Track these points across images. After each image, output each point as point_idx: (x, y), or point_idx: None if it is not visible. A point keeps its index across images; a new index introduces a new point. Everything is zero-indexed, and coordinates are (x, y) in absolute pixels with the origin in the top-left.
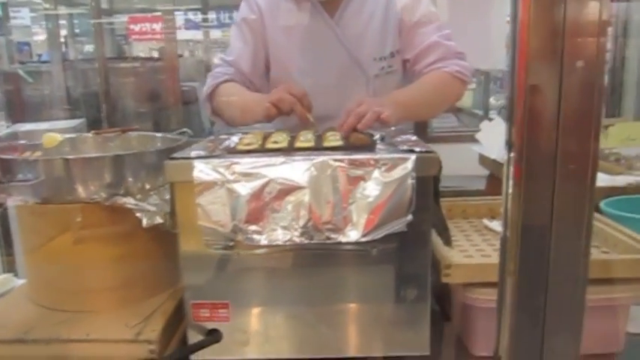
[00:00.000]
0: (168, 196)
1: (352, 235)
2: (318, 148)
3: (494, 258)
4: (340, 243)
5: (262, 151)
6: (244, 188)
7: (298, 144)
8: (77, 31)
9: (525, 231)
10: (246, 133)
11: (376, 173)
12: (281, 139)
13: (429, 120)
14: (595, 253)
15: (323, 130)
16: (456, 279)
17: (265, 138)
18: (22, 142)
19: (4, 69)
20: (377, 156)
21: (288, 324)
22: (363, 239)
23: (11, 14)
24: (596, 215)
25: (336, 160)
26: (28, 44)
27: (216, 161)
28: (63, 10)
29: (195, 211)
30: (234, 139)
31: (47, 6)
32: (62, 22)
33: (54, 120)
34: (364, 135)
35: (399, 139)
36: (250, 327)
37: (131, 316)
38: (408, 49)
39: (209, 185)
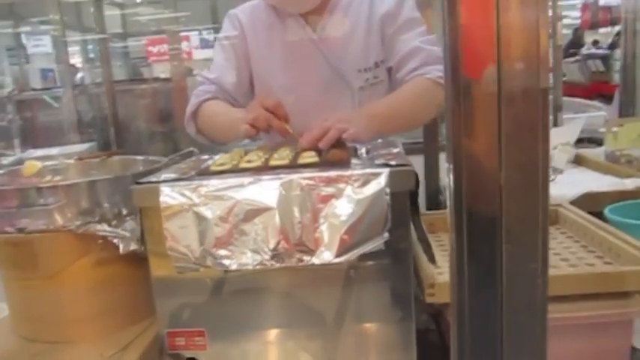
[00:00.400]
0: None
1: (325, 256)
2: (292, 165)
3: None
4: (313, 265)
5: (234, 171)
6: (211, 211)
7: (272, 162)
8: (91, 55)
9: (471, 252)
10: (228, 152)
11: (348, 190)
12: (256, 158)
13: (439, 128)
14: (598, 265)
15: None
16: (440, 298)
17: (242, 157)
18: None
19: (21, 97)
20: (348, 172)
21: (267, 350)
22: (337, 260)
23: (33, 42)
24: (600, 223)
25: (304, 179)
26: (51, 70)
27: (182, 184)
28: (75, 37)
29: (163, 236)
30: (215, 158)
31: (56, 33)
32: (76, 48)
33: (65, 145)
34: (341, 150)
35: (381, 151)
36: (229, 354)
37: (108, 347)
38: (391, 57)
39: (176, 209)
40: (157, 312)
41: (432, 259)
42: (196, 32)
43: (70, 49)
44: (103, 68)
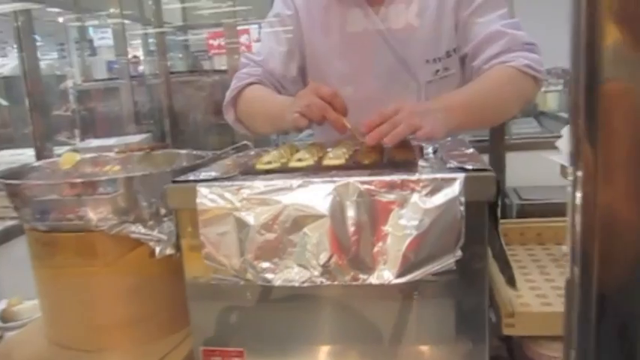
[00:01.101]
0: None
1: (385, 275)
2: (349, 166)
3: None
4: (373, 285)
5: (282, 171)
6: (254, 217)
7: (326, 161)
8: (152, 48)
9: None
10: (280, 147)
11: (415, 198)
12: (308, 156)
13: (506, 125)
14: None
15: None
16: (521, 331)
17: (293, 154)
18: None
19: (82, 87)
20: (415, 176)
21: None
22: (398, 281)
23: (100, 35)
24: None
25: (363, 182)
26: (117, 63)
27: (222, 185)
28: (134, 30)
29: (201, 242)
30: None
31: (116, 26)
32: (139, 41)
33: (122, 136)
34: (406, 149)
35: (452, 152)
36: None
37: (142, 358)
38: (466, 43)
39: (215, 214)
40: (192, 325)
41: (511, 283)
42: (256, 26)
43: (132, 42)
44: (160, 60)
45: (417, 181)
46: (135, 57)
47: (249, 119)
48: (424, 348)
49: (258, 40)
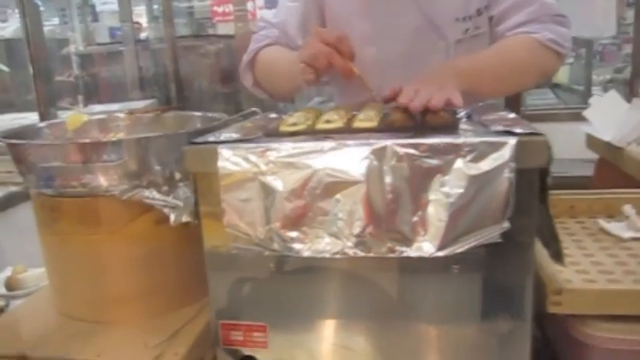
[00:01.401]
0: None
1: (425, 247)
2: (383, 129)
3: (621, 278)
4: (408, 258)
5: (310, 133)
6: (282, 182)
7: (357, 123)
8: (157, 15)
9: None
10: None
11: (459, 163)
12: (335, 118)
13: (522, 96)
14: None
15: (388, 107)
16: (568, 309)
17: (318, 117)
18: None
19: (85, 51)
20: (460, 140)
21: (340, 354)
22: (440, 253)
23: (102, 0)
24: None
25: (403, 146)
26: (119, 29)
27: (246, 147)
28: None
29: (222, 209)
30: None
31: None
32: (141, 7)
33: (126, 101)
34: (443, 112)
35: (490, 116)
36: (294, 356)
37: (154, 332)
38: (495, 4)
39: (238, 178)
40: (210, 297)
41: (557, 257)
42: None
43: (136, 8)
44: (166, 24)
45: (462, 145)
46: (137, 23)
47: (266, 81)
48: (462, 326)
49: (262, 8)
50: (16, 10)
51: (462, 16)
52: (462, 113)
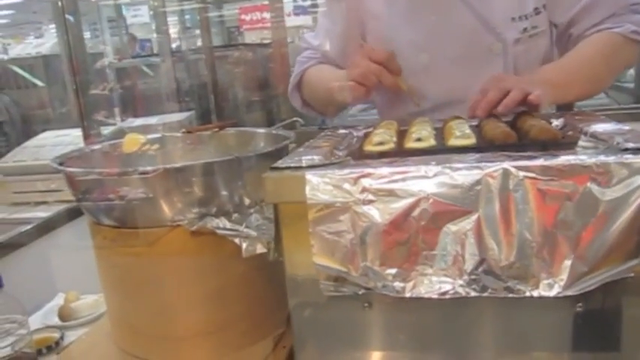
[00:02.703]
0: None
1: (550, 285)
2: (485, 147)
3: None
4: (531, 297)
5: (401, 153)
6: (379, 213)
7: (453, 141)
8: (189, 25)
9: None
10: (373, 126)
11: (589, 188)
12: (425, 135)
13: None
14: None
15: (444, 118)
16: None
17: (400, 132)
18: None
19: (116, 65)
20: (591, 160)
21: None
22: (566, 293)
23: (132, 12)
24: None
25: (521, 169)
26: (149, 41)
27: (337, 173)
28: (173, 6)
29: (309, 242)
30: (357, 134)
31: (156, 3)
32: (174, 18)
33: (164, 114)
34: (546, 125)
35: (596, 128)
36: None
37: None
38: (559, 10)
39: (329, 209)
40: (294, 340)
41: None
42: None
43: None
44: (203, 35)
45: (591, 167)
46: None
47: (314, 101)
48: None
49: (291, 14)
50: (51, 26)
51: (517, 15)
52: (556, 122)
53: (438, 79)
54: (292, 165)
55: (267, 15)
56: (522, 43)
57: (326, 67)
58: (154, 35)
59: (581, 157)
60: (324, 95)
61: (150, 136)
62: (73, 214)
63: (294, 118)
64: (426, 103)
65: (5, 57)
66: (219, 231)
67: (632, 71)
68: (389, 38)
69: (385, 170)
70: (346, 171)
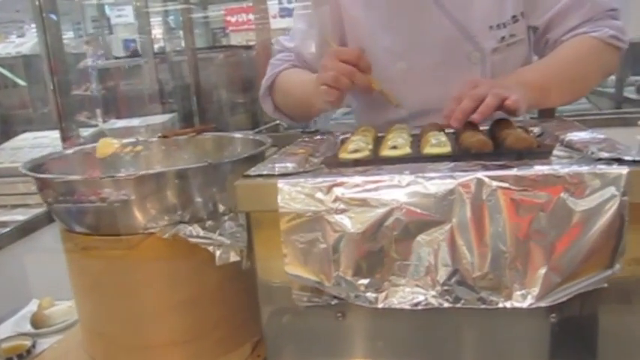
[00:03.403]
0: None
1: (522, 297)
2: (460, 156)
3: None
4: (504, 309)
5: (376, 162)
6: (352, 222)
7: (428, 149)
8: (173, 26)
9: None
10: (350, 132)
11: (563, 198)
12: (401, 143)
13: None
14: None
15: (422, 126)
16: None
17: (377, 139)
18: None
19: (104, 65)
20: (564, 170)
21: None
22: (539, 304)
23: (116, 12)
24: None
25: (495, 178)
26: (133, 41)
27: (309, 181)
28: (156, 7)
29: (281, 251)
30: (335, 140)
31: (139, 4)
32: (158, 18)
33: (146, 115)
34: (523, 132)
35: (572, 135)
36: None
37: None
38: (536, 12)
39: (301, 218)
40: (266, 353)
41: None
42: (276, 1)
43: (151, 19)
44: (185, 36)
45: (565, 177)
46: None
47: (287, 106)
48: None
49: (276, 16)
50: (32, 25)
51: (495, 24)
52: (534, 129)
53: (415, 87)
54: (265, 173)
55: (252, 17)
56: (500, 52)
57: (299, 70)
58: (137, 36)
59: (555, 167)
60: (297, 101)
61: (125, 141)
62: (52, 217)
63: (277, 121)
64: (403, 111)
65: None
66: (192, 239)
67: (612, 76)
68: (365, 44)
69: (358, 179)
70: (319, 179)
